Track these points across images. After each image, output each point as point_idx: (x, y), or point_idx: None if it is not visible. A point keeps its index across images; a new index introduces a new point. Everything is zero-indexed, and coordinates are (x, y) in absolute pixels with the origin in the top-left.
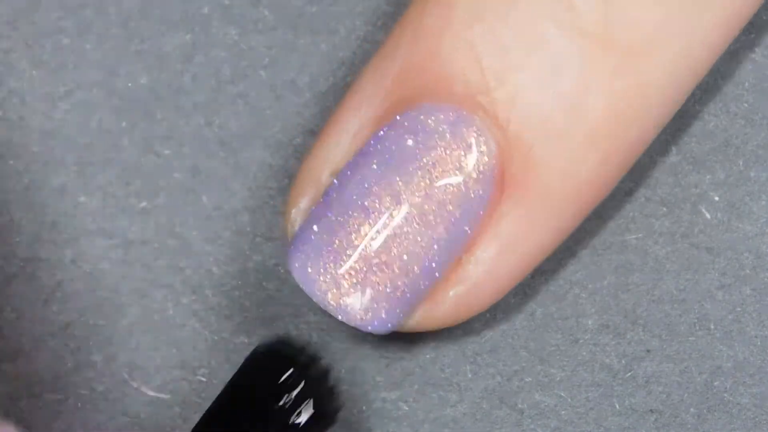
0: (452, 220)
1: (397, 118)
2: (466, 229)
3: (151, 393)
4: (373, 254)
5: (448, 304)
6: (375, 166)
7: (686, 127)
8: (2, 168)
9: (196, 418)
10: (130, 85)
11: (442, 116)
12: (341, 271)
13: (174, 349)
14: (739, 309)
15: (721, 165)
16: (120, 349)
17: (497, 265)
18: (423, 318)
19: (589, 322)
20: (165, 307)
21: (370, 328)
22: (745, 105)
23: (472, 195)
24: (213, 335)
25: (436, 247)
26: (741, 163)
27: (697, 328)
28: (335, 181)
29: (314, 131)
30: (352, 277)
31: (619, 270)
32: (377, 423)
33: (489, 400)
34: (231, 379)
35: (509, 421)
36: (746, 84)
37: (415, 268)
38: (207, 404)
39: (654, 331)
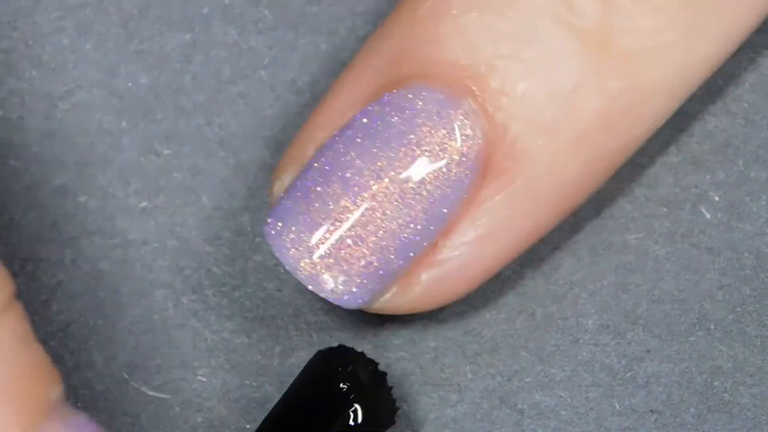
0: (431, 200)
1: (385, 96)
2: (445, 211)
3: (151, 393)
4: (349, 227)
5: (421, 287)
6: (359, 140)
7: (686, 127)
8: (2, 168)
9: (197, 418)
10: (130, 85)
11: (430, 96)
12: (315, 241)
13: (174, 349)
14: (739, 309)
15: (721, 165)
16: (120, 349)
17: (473, 252)
18: (394, 298)
19: (589, 322)
20: (165, 307)
21: (339, 301)
22: (745, 105)
23: (454, 178)
24: (213, 335)
25: (412, 226)
26: (741, 163)
27: (697, 328)
28: (318, 154)
29: None
30: (326, 249)
31: (619, 270)
32: None
33: (489, 400)
34: (290, 386)
35: (509, 421)
36: (746, 84)
37: (390, 245)
38: (207, 404)
39: (654, 331)
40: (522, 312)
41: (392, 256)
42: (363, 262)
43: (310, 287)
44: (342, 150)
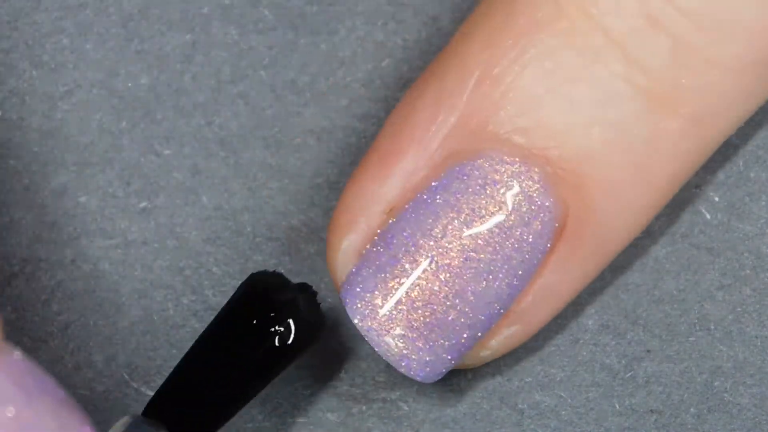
0: (513, 273)
1: (463, 166)
2: (525, 282)
3: (151, 393)
4: (441, 309)
5: (489, 351)
6: (441, 216)
7: None
8: (2, 168)
9: None
10: (130, 85)
11: (506, 168)
12: (406, 323)
13: (174, 349)
14: (739, 309)
15: (721, 165)
16: (120, 350)
17: (540, 313)
18: (464, 362)
19: (589, 322)
20: (165, 307)
21: (427, 379)
22: None
23: (533, 249)
24: None
25: (499, 299)
26: (741, 163)
27: (697, 328)
28: (397, 224)
29: (314, 131)
30: (417, 330)
31: (619, 270)
32: (377, 423)
33: (489, 400)
34: (223, 307)
35: (509, 421)
36: None
37: (476, 322)
38: None
39: (654, 331)
40: None
41: (477, 332)
42: (451, 342)
43: (401, 370)
44: (425, 227)
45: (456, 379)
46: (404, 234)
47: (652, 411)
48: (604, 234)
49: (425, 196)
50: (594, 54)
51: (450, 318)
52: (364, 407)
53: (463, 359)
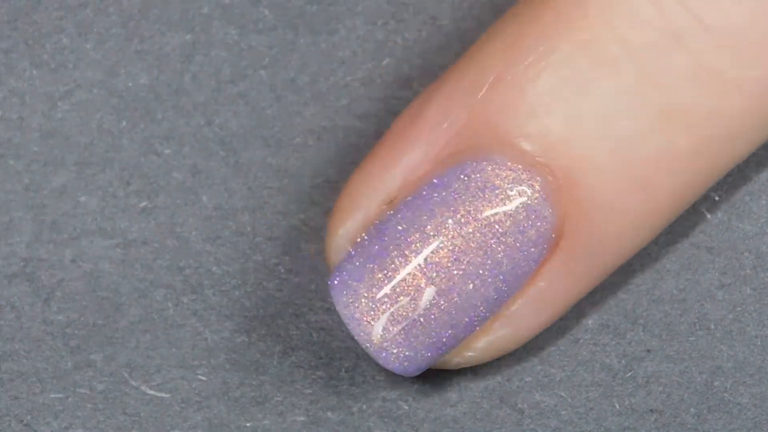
0: (505, 280)
1: (465, 166)
2: (515, 288)
3: (151, 392)
4: (423, 304)
5: (475, 353)
6: (436, 213)
7: None
8: (2, 168)
9: (197, 417)
10: (130, 85)
11: (511, 175)
12: (389, 316)
13: (174, 348)
14: (739, 309)
15: None
16: (120, 349)
17: (532, 318)
18: (447, 362)
19: (589, 322)
20: (165, 307)
21: (404, 373)
22: None
23: (528, 256)
24: (213, 335)
25: (484, 304)
26: (741, 163)
27: (697, 328)
28: (393, 217)
29: (314, 131)
30: (399, 324)
31: (619, 270)
32: (377, 423)
33: (489, 400)
34: None
35: (509, 421)
36: None
37: (460, 323)
38: (207, 403)
39: (654, 331)
40: None
41: (461, 333)
42: (434, 339)
43: (379, 361)
44: (419, 224)
45: (456, 379)
46: (398, 227)
47: (652, 411)
48: (601, 248)
49: (424, 192)
50: (609, 66)
51: (433, 316)
52: (364, 406)
53: (447, 359)
